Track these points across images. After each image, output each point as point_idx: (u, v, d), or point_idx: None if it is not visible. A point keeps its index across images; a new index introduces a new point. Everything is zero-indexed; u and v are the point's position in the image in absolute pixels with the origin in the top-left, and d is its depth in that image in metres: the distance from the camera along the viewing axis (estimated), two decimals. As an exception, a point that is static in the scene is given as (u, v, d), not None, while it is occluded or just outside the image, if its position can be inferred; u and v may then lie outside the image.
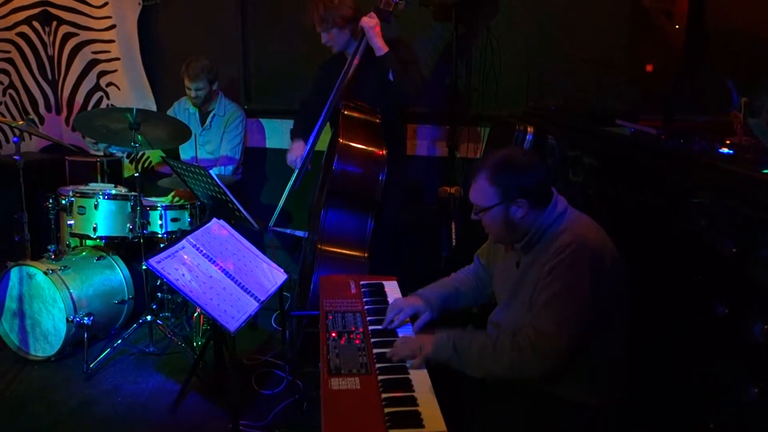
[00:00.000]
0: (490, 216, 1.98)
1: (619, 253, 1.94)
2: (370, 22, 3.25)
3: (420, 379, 1.82)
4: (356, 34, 3.39)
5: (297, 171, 3.44)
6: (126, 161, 4.63)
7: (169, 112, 4.32)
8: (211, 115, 4.18)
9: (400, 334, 2.11)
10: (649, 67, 2.83)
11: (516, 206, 1.94)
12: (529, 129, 3.04)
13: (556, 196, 2.01)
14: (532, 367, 1.83)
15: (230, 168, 4.15)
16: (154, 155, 4.80)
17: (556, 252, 1.87)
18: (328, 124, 3.44)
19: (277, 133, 4.65)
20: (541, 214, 1.96)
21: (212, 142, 4.21)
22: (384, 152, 3.09)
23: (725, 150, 2.05)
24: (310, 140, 3.39)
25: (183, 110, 4.27)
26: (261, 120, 4.68)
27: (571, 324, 1.81)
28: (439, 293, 2.31)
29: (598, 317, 1.84)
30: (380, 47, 3.25)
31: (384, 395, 1.71)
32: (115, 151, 4.23)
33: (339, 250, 3.05)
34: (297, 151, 3.55)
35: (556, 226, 1.95)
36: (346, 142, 3.08)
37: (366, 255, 3.04)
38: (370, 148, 3.09)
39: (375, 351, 1.96)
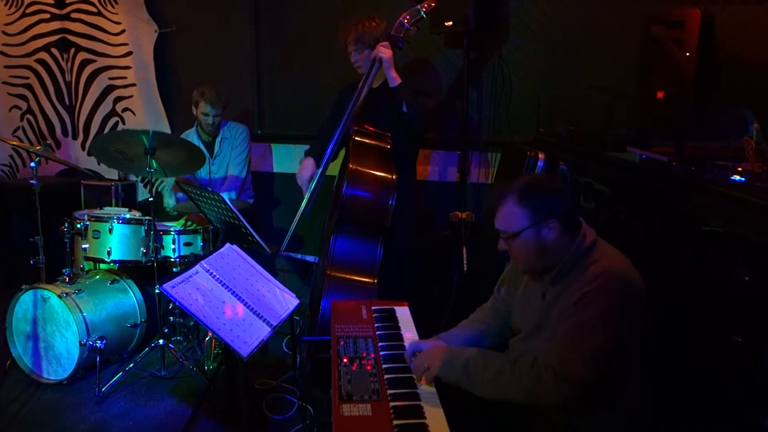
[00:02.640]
0: (521, 241, 1.90)
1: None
2: (387, 52, 3.21)
3: (432, 406, 1.81)
4: None
5: (308, 194, 3.42)
6: (140, 185, 4.69)
7: None
8: (219, 139, 4.23)
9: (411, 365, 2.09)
10: (660, 94, 2.83)
11: (548, 228, 1.87)
12: (540, 155, 3.05)
13: (585, 226, 1.95)
14: (550, 397, 1.77)
15: (235, 191, 4.18)
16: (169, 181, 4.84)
17: (586, 282, 1.81)
18: (342, 149, 3.45)
19: (289, 159, 4.69)
20: (571, 242, 1.90)
21: (223, 165, 4.25)
22: (394, 178, 3.07)
23: (737, 177, 2.05)
24: (322, 165, 3.39)
25: None
26: (274, 145, 4.73)
27: (596, 356, 1.75)
28: (463, 337, 2.23)
29: (621, 350, 1.79)
30: (394, 78, 3.24)
31: (396, 422, 1.70)
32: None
33: (348, 276, 3.04)
34: (306, 170, 3.50)
35: (586, 257, 1.89)
36: (356, 168, 3.07)
37: (375, 281, 3.02)
38: (379, 174, 3.09)
39: (386, 377, 1.95)
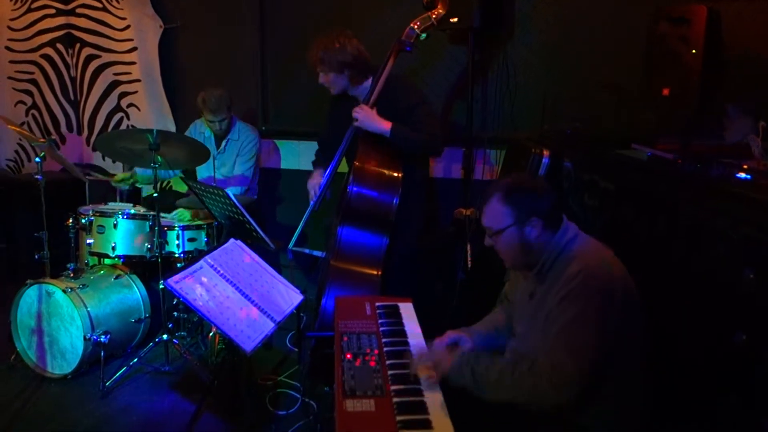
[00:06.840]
0: (505, 238, 1.99)
1: (634, 280, 1.92)
2: (361, 115, 3.15)
3: (435, 402, 1.81)
4: (354, 81, 3.30)
5: (314, 200, 3.44)
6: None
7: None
8: (226, 140, 4.24)
9: (415, 358, 2.10)
10: (665, 91, 2.82)
11: (530, 226, 1.95)
12: (545, 152, 3.05)
13: (566, 222, 2.03)
14: (549, 396, 1.81)
15: (241, 188, 4.19)
16: (174, 180, 4.83)
17: (566, 281, 1.86)
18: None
19: (293, 155, 4.69)
20: (552, 237, 1.97)
21: (227, 165, 4.26)
22: (399, 175, 3.10)
23: (743, 175, 2.04)
24: (329, 169, 3.39)
25: (198, 134, 4.32)
26: (277, 141, 4.73)
27: (583, 354, 1.80)
28: (483, 332, 2.28)
29: (611, 345, 1.83)
30: (383, 130, 3.14)
31: (399, 418, 1.71)
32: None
33: (352, 268, 3.06)
34: (316, 178, 3.53)
35: (566, 252, 1.96)
36: (362, 165, 3.10)
37: (378, 273, 3.04)
38: (384, 171, 3.11)
39: (390, 373, 1.96)
